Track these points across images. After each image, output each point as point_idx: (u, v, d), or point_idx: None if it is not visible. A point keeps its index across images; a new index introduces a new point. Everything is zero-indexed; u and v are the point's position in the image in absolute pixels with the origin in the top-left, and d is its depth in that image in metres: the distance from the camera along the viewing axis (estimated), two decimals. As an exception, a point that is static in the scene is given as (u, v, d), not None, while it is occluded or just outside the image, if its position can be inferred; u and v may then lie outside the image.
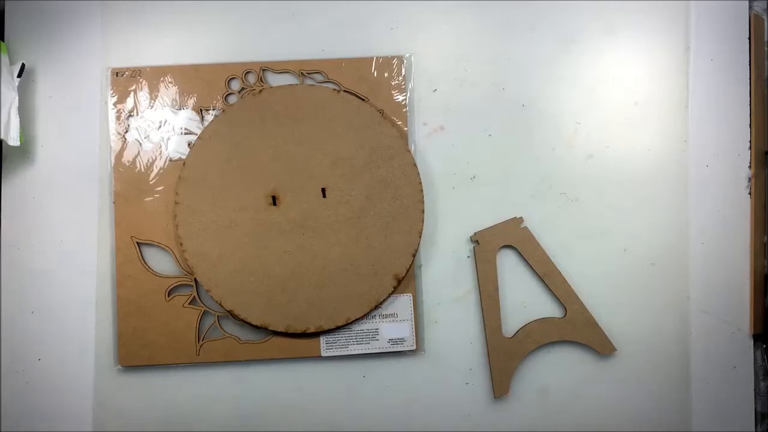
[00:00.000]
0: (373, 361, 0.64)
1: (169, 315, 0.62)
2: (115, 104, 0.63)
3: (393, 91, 0.64)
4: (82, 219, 0.63)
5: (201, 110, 0.64)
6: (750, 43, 0.66)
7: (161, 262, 0.63)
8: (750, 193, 0.66)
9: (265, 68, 0.64)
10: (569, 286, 0.64)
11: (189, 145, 0.63)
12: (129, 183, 0.63)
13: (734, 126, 0.66)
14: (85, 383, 0.63)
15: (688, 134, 0.66)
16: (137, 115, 0.63)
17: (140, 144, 0.63)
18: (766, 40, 0.68)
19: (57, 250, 0.63)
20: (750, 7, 0.67)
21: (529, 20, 0.66)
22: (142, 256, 0.62)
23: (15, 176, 0.64)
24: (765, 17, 0.68)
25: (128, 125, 0.63)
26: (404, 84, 0.64)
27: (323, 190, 0.62)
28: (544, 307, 0.64)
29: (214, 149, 0.62)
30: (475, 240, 0.64)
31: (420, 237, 0.62)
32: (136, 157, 0.63)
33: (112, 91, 0.64)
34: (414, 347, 0.63)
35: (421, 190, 0.62)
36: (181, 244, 0.61)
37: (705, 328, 0.65)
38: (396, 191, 0.62)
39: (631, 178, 0.65)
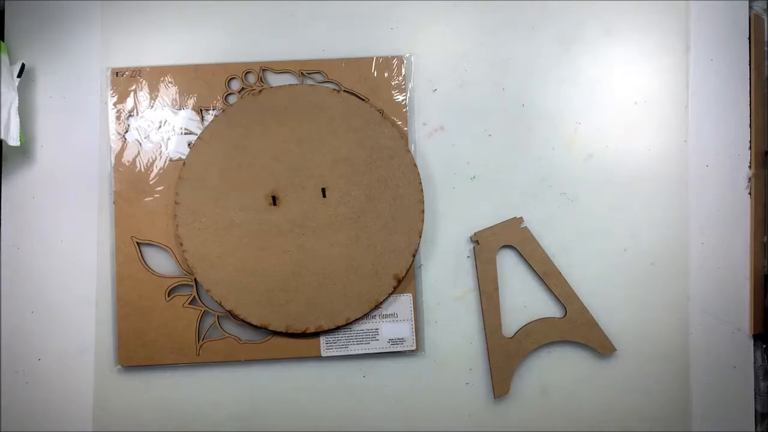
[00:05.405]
0: (373, 361, 0.64)
1: (169, 315, 0.62)
2: (115, 104, 0.63)
3: (393, 91, 0.64)
4: (82, 219, 0.63)
5: (201, 110, 0.64)
6: (750, 43, 0.66)
7: (161, 262, 0.63)
8: (750, 193, 0.66)
9: (265, 68, 0.64)
10: (569, 286, 0.64)
11: (189, 145, 0.63)
12: (129, 183, 0.63)
13: (734, 126, 0.66)
14: (85, 383, 0.63)
15: (688, 134, 0.66)
16: (137, 115, 0.63)
17: (140, 144, 0.63)
18: (766, 40, 0.68)
19: (57, 250, 0.63)
20: (750, 8, 0.67)
21: (529, 20, 0.66)
22: (142, 256, 0.62)
23: (15, 176, 0.64)
24: (765, 17, 0.68)
25: (128, 125, 0.63)
26: (404, 84, 0.64)
27: (323, 190, 0.62)
28: (544, 307, 0.64)
29: (214, 149, 0.62)
30: (475, 240, 0.64)
31: (420, 237, 0.62)
32: (136, 157, 0.63)
33: (112, 91, 0.64)
34: (414, 347, 0.63)
35: (421, 190, 0.62)
36: (181, 244, 0.61)
37: (705, 328, 0.65)
38: (396, 191, 0.62)
39: (631, 178, 0.65)
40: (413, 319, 0.63)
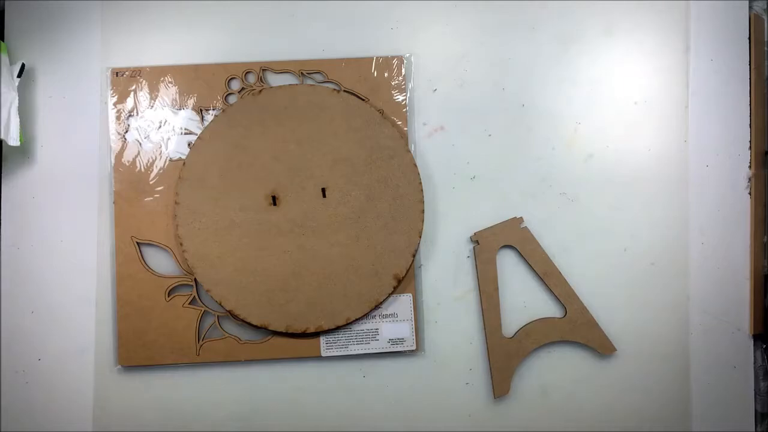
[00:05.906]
0: (373, 361, 0.64)
1: (169, 315, 0.62)
2: (115, 104, 0.63)
3: (393, 91, 0.64)
4: (82, 219, 0.63)
5: (201, 110, 0.64)
6: (750, 43, 0.66)
7: (161, 262, 0.63)
8: (750, 193, 0.66)
9: (265, 68, 0.64)
10: (569, 286, 0.64)
11: (189, 145, 0.63)
12: (129, 183, 0.63)
13: (734, 126, 0.66)
14: (85, 383, 0.63)
15: (688, 134, 0.66)
16: (137, 115, 0.64)
17: (140, 144, 0.63)
18: (766, 40, 0.68)
19: (57, 250, 0.63)
20: (750, 8, 0.67)
21: (529, 20, 0.66)
22: (142, 256, 0.62)
23: (15, 176, 0.64)
24: (765, 17, 0.68)
25: (128, 125, 0.63)
26: (404, 84, 0.64)
27: (323, 190, 0.62)
28: (544, 307, 0.64)
29: (214, 149, 0.62)
30: (475, 240, 0.64)
31: (420, 237, 0.62)
32: (136, 157, 0.63)
33: (112, 91, 0.64)
34: (414, 347, 0.63)
35: (421, 190, 0.62)
36: (181, 244, 0.61)
37: (705, 328, 0.65)
38: (396, 191, 0.62)
39: (631, 178, 0.65)
40: (413, 319, 0.63)
